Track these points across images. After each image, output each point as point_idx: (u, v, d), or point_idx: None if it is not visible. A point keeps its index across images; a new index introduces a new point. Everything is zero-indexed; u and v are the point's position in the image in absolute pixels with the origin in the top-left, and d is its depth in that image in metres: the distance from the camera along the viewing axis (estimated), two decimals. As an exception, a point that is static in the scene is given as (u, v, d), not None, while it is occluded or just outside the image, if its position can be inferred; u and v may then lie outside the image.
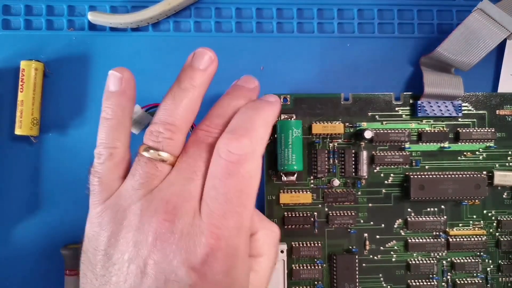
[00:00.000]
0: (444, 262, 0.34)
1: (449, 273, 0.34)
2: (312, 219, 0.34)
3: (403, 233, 0.34)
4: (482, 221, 0.35)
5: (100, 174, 0.25)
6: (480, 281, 0.34)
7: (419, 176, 0.34)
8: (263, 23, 0.36)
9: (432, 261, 0.34)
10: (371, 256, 0.34)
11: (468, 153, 0.35)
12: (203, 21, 0.36)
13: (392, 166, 0.35)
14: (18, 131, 0.33)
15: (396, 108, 0.35)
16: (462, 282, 0.34)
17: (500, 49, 0.36)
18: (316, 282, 0.34)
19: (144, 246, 0.23)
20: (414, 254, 0.34)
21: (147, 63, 0.35)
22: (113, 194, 0.25)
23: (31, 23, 0.36)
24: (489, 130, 0.35)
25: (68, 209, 0.34)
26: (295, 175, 0.34)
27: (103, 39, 0.35)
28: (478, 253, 0.35)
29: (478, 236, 0.34)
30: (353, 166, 0.34)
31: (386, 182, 0.35)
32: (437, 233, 0.34)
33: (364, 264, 0.34)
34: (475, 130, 0.34)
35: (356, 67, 0.36)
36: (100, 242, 0.24)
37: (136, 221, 0.23)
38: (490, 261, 0.35)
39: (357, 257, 0.34)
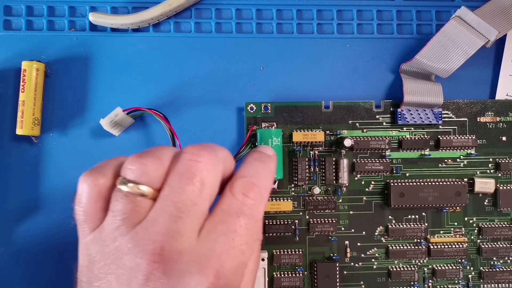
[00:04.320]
0: (425, 269, 0.35)
1: (430, 280, 0.34)
2: (293, 226, 0.34)
3: (384, 241, 0.35)
4: (463, 228, 0.35)
5: (82, 203, 0.24)
6: (462, 288, 0.35)
7: (400, 184, 0.34)
8: (263, 24, 0.37)
9: (413, 268, 0.34)
10: (352, 263, 0.34)
11: (449, 160, 0.35)
12: (203, 22, 0.36)
13: (373, 174, 0.35)
14: (19, 131, 0.34)
15: (377, 116, 0.35)
16: (443, 289, 0.35)
17: (498, 51, 0.37)
18: (297, 290, 0.34)
19: (135, 286, 0.22)
20: (395, 262, 0.34)
21: (147, 63, 0.36)
22: (98, 226, 0.24)
23: (32, 23, 0.36)
24: (469, 138, 0.35)
25: (68, 209, 0.34)
26: (276, 183, 0.34)
27: (104, 39, 0.36)
28: (459, 260, 0.35)
29: (459, 243, 0.34)
30: (334, 174, 0.34)
31: (367, 189, 0.35)
32: (418, 240, 0.35)
33: (345, 272, 0.34)
34: (455, 138, 0.34)
35: (355, 68, 0.36)
36: (92, 275, 0.23)
37: (126, 260, 0.22)
38: (472, 268, 0.35)
39: (338, 264, 0.34)
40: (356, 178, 0.35)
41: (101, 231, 0.23)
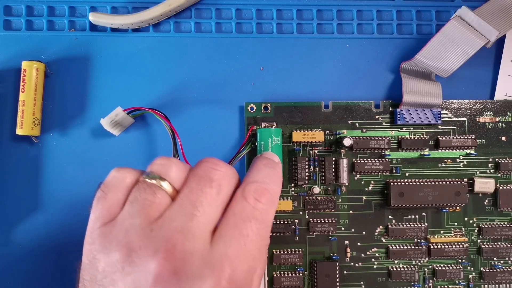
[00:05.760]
0: (425, 269, 0.34)
1: (430, 281, 0.34)
2: (293, 226, 0.34)
3: (384, 240, 0.35)
4: (463, 228, 0.35)
5: (109, 189, 0.25)
6: (462, 288, 0.34)
7: (399, 184, 0.34)
8: (263, 24, 0.37)
9: (413, 268, 0.34)
10: (352, 263, 0.34)
11: (448, 160, 0.35)
12: (203, 22, 0.36)
13: (373, 174, 0.35)
14: (19, 131, 0.34)
15: (376, 116, 0.35)
16: (443, 289, 0.34)
17: (498, 51, 0.37)
18: (297, 290, 0.34)
19: (143, 286, 0.21)
20: (395, 261, 0.34)
21: (147, 63, 0.36)
22: (111, 220, 0.24)
23: (32, 23, 0.36)
24: (469, 137, 0.35)
25: (68, 209, 0.35)
26: (276, 183, 0.34)
27: (104, 39, 0.36)
28: (460, 260, 0.35)
29: (459, 243, 0.34)
30: (334, 174, 0.34)
31: (366, 189, 0.35)
32: (418, 240, 0.34)
33: (345, 272, 0.34)
34: (455, 138, 0.34)
35: (355, 68, 0.36)
36: (96, 272, 0.22)
37: (135, 258, 0.22)
38: (472, 268, 0.35)
39: (338, 264, 0.34)
40: (355, 178, 0.35)
41: (114, 225, 0.23)
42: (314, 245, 0.34)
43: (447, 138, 0.34)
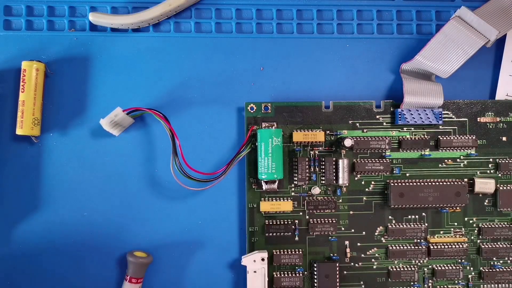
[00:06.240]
0: (425, 269, 0.35)
1: (430, 281, 0.34)
2: (293, 226, 0.34)
3: (384, 241, 0.35)
4: (463, 228, 0.35)
5: None
6: (462, 288, 0.35)
7: (400, 184, 0.34)
8: (263, 24, 0.37)
9: (413, 269, 0.34)
10: (352, 263, 0.34)
11: (449, 160, 0.35)
12: (203, 22, 0.36)
13: (373, 174, 0.35)
14: (19, 131, 0.34)
15: (377, 116, 0.35)
16: (443, 289, 0.35)
17: (498, 51, 0.37)
18: (297, 290, 0.34)
19: None
20: (395, 262, 0.34)
21: (147, 63, 0.36)
22: None
23: (32, 23, 0.36)
24: (470, 138, 0.35)
25: (68, 209, 0.35)
26: (276, 182, 0.34)
27: (104, 39, 0.36)
28: (459, 260, 0.35)
29: (459, 243, 0.34)
30: (334, 174, 0.34)
31: (367, 189, 0.35)
32: (418, 240, 0.34)
33: (345, 272, 0.34)
34: (455, 138, 0.34)
35: (355, 68, 0.36)
36: None
37: None
38: (471, 268, 0.35)
39: (338, 264, 0.34)
40: (356, 178, 0.35)
41: None
42: (314, 246, 0.34)
43: (448, 138, 0.34)
